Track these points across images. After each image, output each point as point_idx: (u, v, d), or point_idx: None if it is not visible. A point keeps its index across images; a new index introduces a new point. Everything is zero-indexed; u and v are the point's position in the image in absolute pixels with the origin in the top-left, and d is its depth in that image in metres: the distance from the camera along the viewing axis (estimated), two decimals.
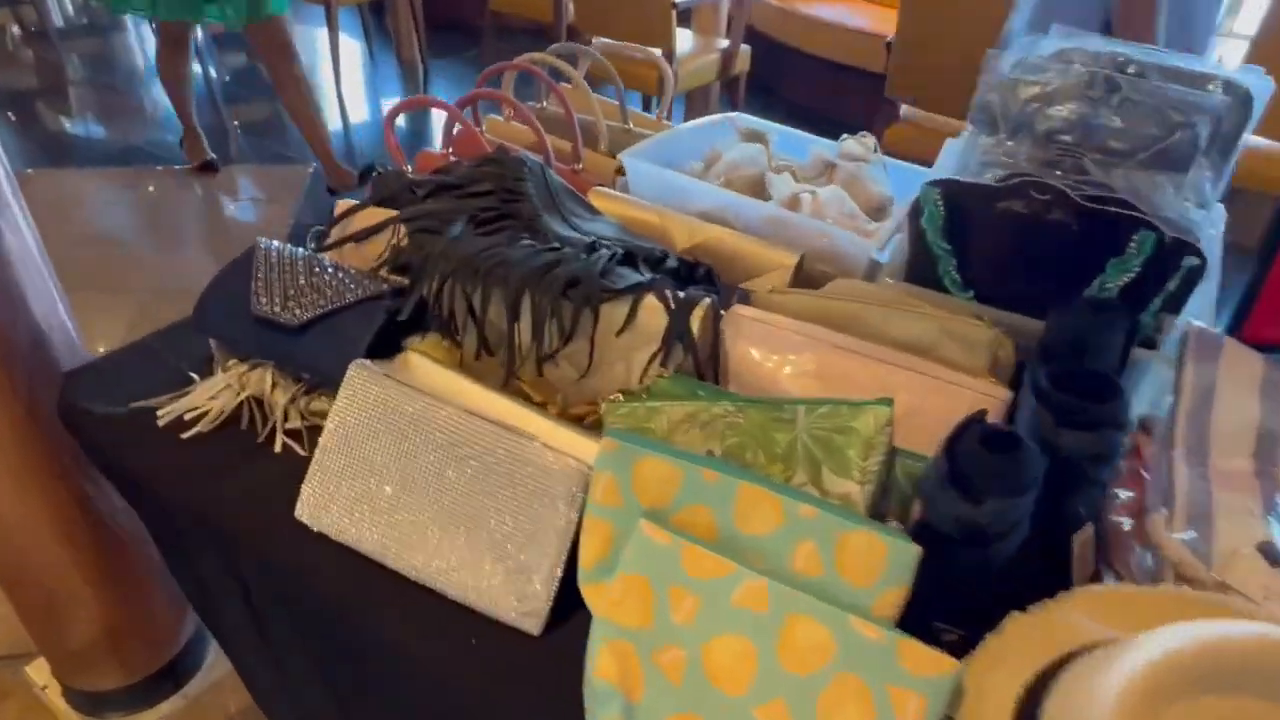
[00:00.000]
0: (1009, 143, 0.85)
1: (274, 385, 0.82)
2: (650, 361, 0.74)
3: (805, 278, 0.90)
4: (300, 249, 0.88)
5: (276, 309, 0.80)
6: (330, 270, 0.84)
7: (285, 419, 0.80)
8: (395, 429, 0.69)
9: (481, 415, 0.69)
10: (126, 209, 2.91)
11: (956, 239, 0.82)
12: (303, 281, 0.82)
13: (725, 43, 3.12)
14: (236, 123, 3.60)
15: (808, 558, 0.59)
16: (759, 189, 1.03)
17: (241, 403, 0.81)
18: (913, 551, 0.57)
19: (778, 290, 0.81)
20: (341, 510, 0.69)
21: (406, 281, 0.85)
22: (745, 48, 3.16)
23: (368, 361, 0.71)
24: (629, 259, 0.80)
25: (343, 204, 0.93)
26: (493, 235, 0.82)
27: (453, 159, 1.05)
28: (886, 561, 0.57)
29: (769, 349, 0.76)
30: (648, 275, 0.77)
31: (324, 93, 3.87)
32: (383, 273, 0.86)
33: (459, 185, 0.87)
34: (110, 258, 2.58)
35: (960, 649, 0.55)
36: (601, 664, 0.55)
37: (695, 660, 0.56)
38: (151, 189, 3.01)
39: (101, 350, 2.30)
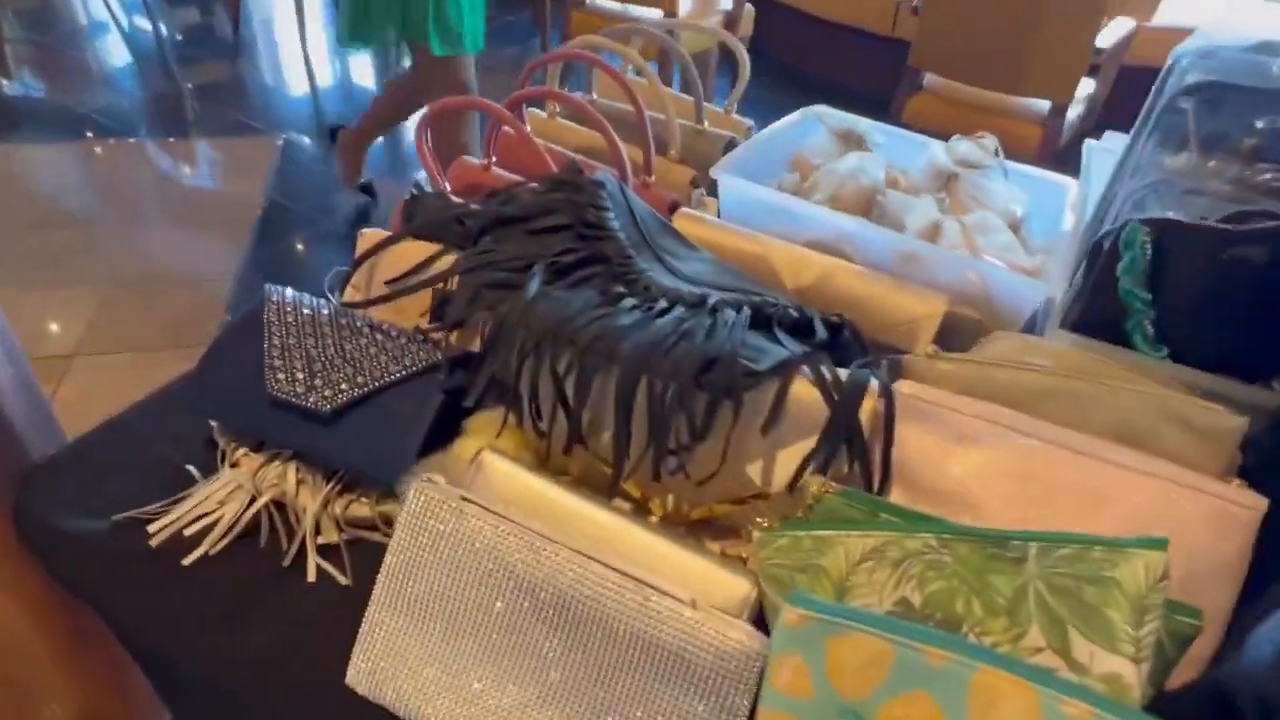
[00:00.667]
0: (1213, 162, 0.69)
1: (299, 483, 0.64)
2: (802, 466, 0.57)
3: (947, 326, 0.73)
4: (321, 301, 0.69)
5: (300, 390, 0.62)
6: (366, 332, 0.65)
7: (317, 531, 0.62)
8: (479, 575, 0.51)
9: (593, 551, 0.52)
10: (78, 188, 2.63)
11: (1159, 288, 0.66)
12: (332, 351, 0.64)
13: (729, 3, 2.89)
14: (190, 85, 3.30)
15: None
16: (869, 207, 0.86)
17: (259, 509, 0.63)
18: None
19: (939, 356, 0.65)
20: (409, 684, 0.52)
21: (455, 340, 0.66)
22: (749, 8, 2.94)
23: (439, 480, 0.53)
24: (759, 318, 0.62)
25: (369, 235, 0.74)
26: (578, 288, 0.64)
27: (496, 170, 0.85)
28: None
29: (945, 439, 0.60)
30: (793, 346, 0.60)
31: (288, 48, 3.58)
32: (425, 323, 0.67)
33: (525, 217, 0.68)
34: (63, 245, 2.32)
35: None
36: None
37: None
38: (104, 164, 2.73)
39: (56, 328, 2.07)
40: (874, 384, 0.57)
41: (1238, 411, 0.60)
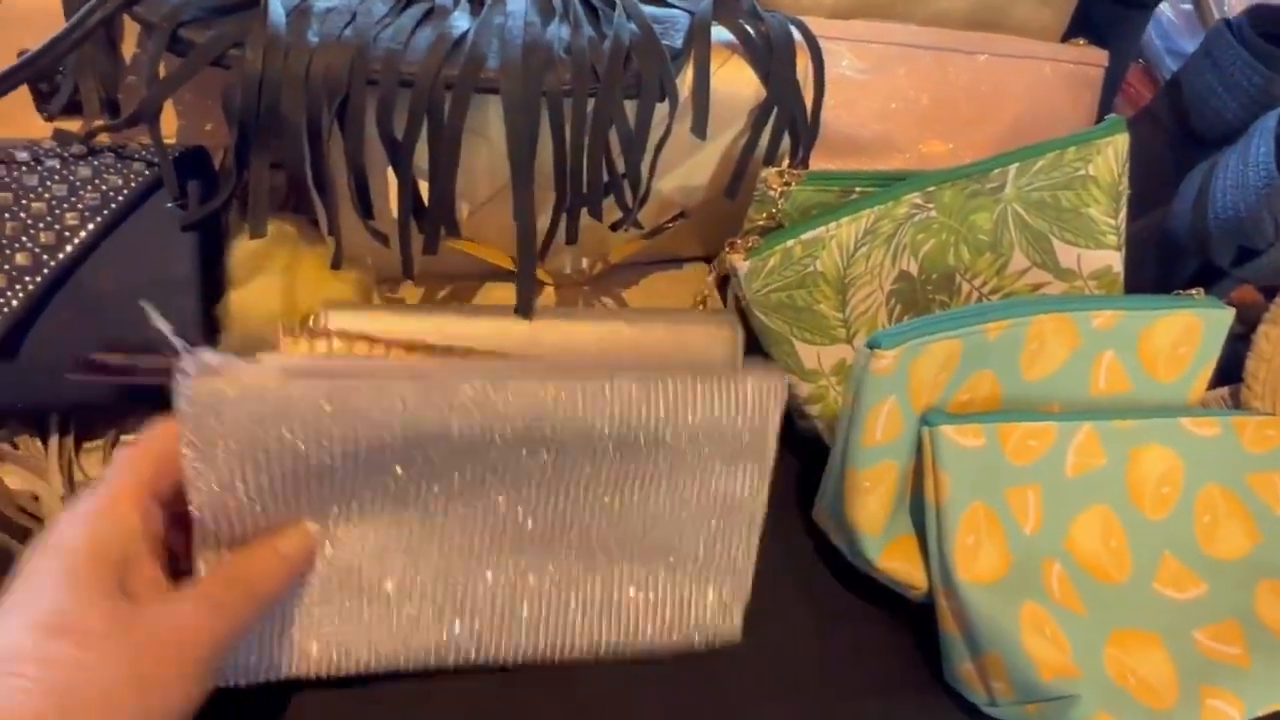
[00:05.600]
0: None
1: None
2: (743, 161, 0.45)
3: None
4: None
5: None
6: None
7: None
8: (379, 455, 0.33)
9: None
10: None
11: None
12: None
13: None
14: None
15: (1109, 374, 0.45)
16: None
17: None
18: (1229, 317, 0.45)
19: None
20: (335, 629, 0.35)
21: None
22: None
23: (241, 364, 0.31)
24: None
25: None
26: None
27: None
28: (1200, 341, 0.45)
29: (849, 78, 0.51)
30: (678, 1, 0.43)
31: None
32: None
33: None
34: None
35: None
36: (1037, 654, 0.38)
37: (1071, 564, 0.42)
38: None
39: None
40: (790, 29, 0.44)
41: None
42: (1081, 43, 0.57)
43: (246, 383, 0.28)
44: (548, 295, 0.49)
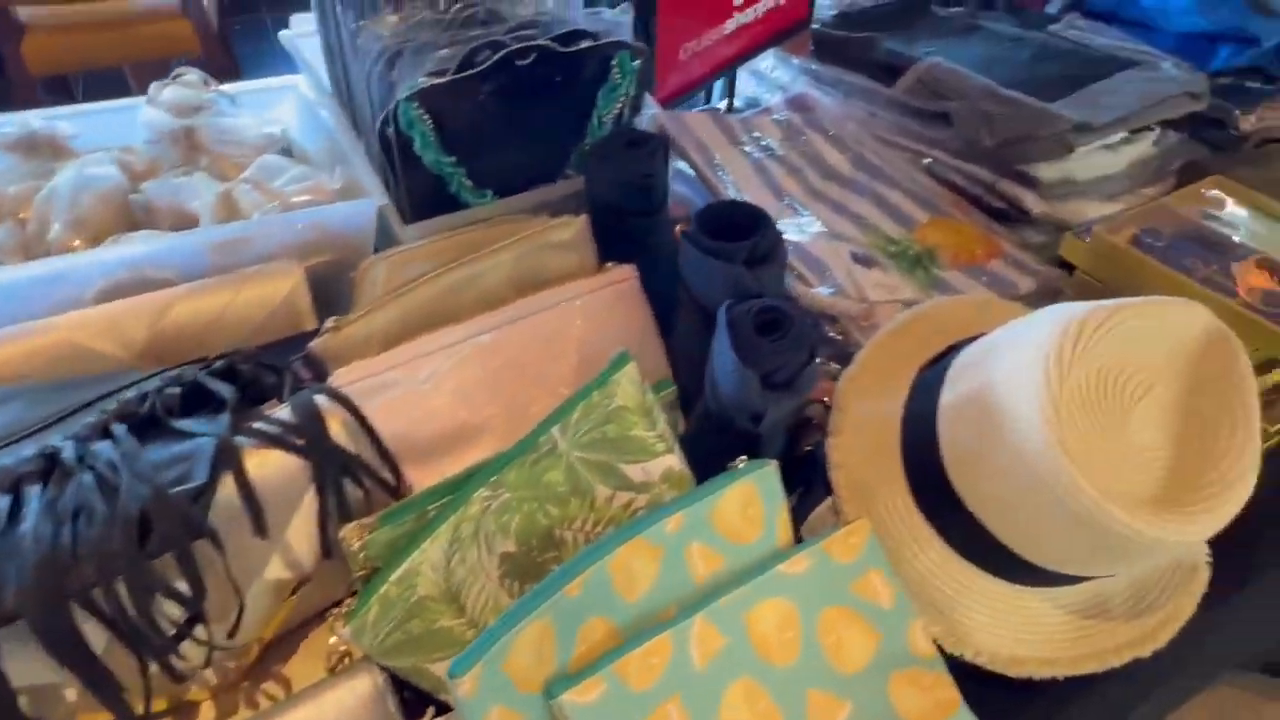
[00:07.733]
0: (396, 16, 0.70)
1: None
2: (322, 526, 0.49)
3: (313, 285, 0.67)
4: None
5: None
6: None
7: None
8: None
9: None
10: None
11: (457, 147, 0.68)
12: None
13: None
14: None
15: (703, 559, 0.51)
16: (125, 213, 0.70)
17: None
18: (774, 469, 0.53)
19: (341, 323, 0.59)
20: None
21: None
22: None
23: None
24: (138, 426, 0.48)
25: None
26: None
27: None
28: (761, 498, 0.53)
29: (410, 391, 0.57)
30: (203, 426, 0.48)
31: None
32: None
33: None
34: None
35: None
36: None
37: None
38: None
39: None
40: (322, 400, 0.50)
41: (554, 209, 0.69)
42: (610, 266, 0.67)
43: None
44: (206, 710, 0.50)
